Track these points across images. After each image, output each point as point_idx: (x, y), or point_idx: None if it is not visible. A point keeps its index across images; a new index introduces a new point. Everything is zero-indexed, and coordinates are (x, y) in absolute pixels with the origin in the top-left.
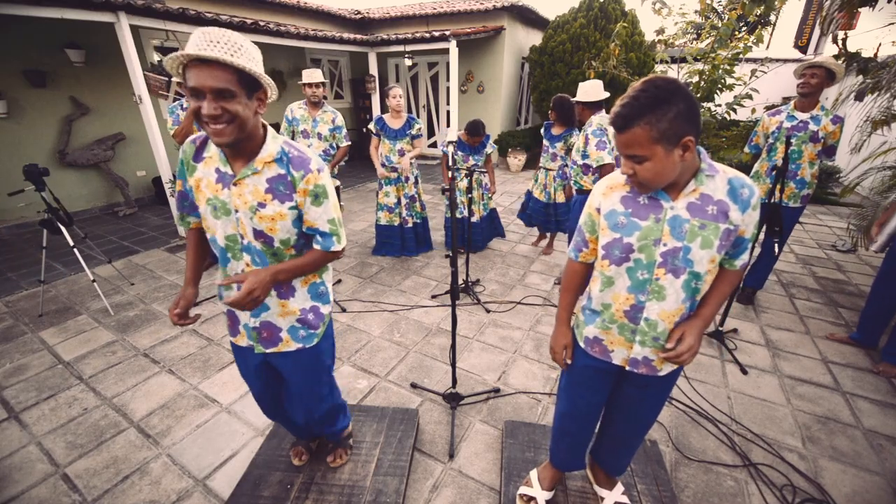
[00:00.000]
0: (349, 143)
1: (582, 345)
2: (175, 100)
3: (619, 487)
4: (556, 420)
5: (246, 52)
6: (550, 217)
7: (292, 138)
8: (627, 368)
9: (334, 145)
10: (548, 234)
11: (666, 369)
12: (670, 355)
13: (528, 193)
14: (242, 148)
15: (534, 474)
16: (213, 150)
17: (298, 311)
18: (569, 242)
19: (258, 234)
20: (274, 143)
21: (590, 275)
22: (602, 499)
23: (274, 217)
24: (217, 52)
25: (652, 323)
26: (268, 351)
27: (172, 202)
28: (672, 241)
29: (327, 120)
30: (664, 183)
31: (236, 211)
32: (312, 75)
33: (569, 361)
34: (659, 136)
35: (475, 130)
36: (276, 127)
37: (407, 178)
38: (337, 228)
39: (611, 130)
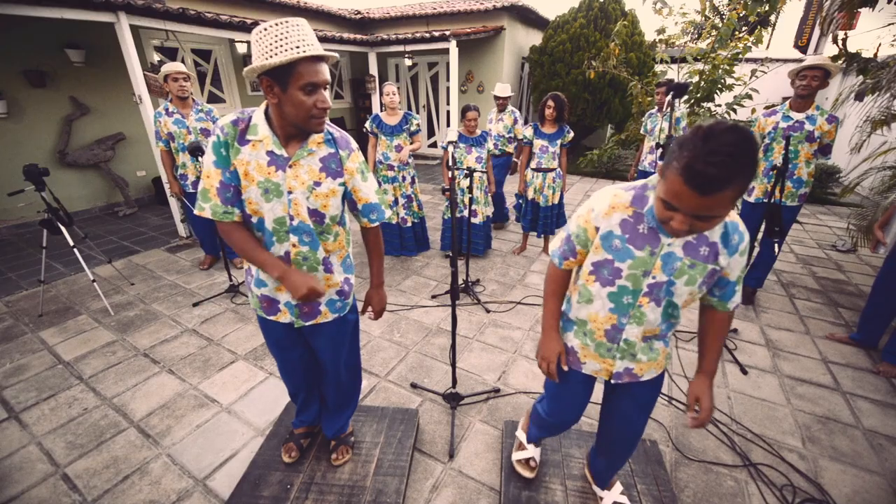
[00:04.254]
0: None
1: None
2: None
3: (618, 487)
4: (542, 416)
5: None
6: (549, 219)
7: None
8: (612, 382)
9: None
10: (529, 235)
11: (647, 375)
12: (697, 425)
13: (525, 198)
14: (298, 131)
15: (521, 435)
16: (262, 134)
17: (339, 283)
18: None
19: (312, 212)
20: None
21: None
22: (601, 499)
23: (328, 194)
24: (321, 50)
25: (631, 343)
26: (306, 324)
27: (172, 202)
28: (661, 276)
29: None
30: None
31: (290, 192)
32: None
33: (565, 368)
34: (738, 196)
35: (466, 108)
36: None
37: (404, 178)
38: (383, 198)
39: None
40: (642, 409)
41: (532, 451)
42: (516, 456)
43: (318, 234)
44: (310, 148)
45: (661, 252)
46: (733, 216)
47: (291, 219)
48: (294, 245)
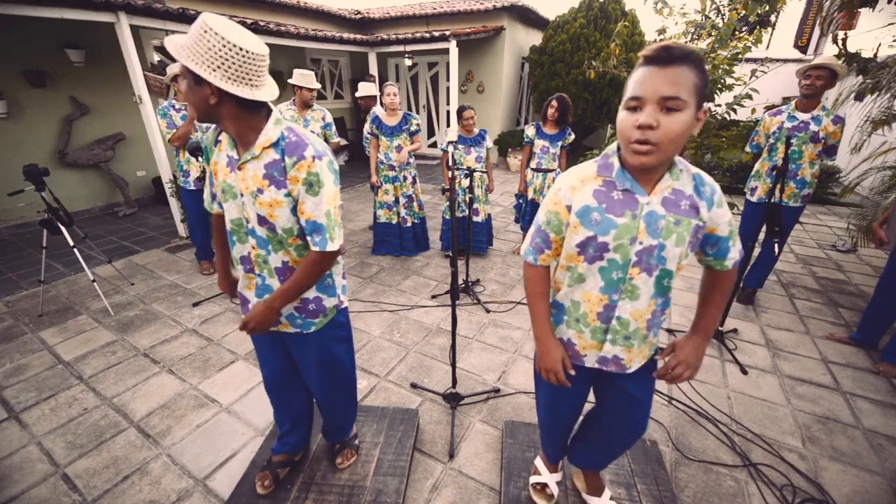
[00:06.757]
0: (339, 139)
1: None
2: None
3: (607, 493)
4: (542, 424)
5: (194, 45)
6: None
7: None
8: (597, 367)
9: (328, 142)
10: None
11: (633, 366)
12: (668, 376)
13: (525, 198)
14: (240, 133)
15: (539, 462)
16: (224, 135)
17: (299, 300)
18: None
19: (261, 219)
20: (275, 129)
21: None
22: None
23: (272, 204)
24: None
25: (624, 322)
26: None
27: (173, 202)
28: (648, 239)
29: (318, 118)
30: (670, 155)
31: (241, 195)
32: (310, 80)
33: (572, 373)
34: (698, 87)
35: (461, 108)
36: None
37: (405, 178)
38: (332, 224)
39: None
40: (640, 407)
41: (547, 477)
42: (531, 481)
43: (272, 242)
44: (253, 152)
45: (643, 213)
46: (698, 169)
47: (247, 221)
48: (253, 247)
